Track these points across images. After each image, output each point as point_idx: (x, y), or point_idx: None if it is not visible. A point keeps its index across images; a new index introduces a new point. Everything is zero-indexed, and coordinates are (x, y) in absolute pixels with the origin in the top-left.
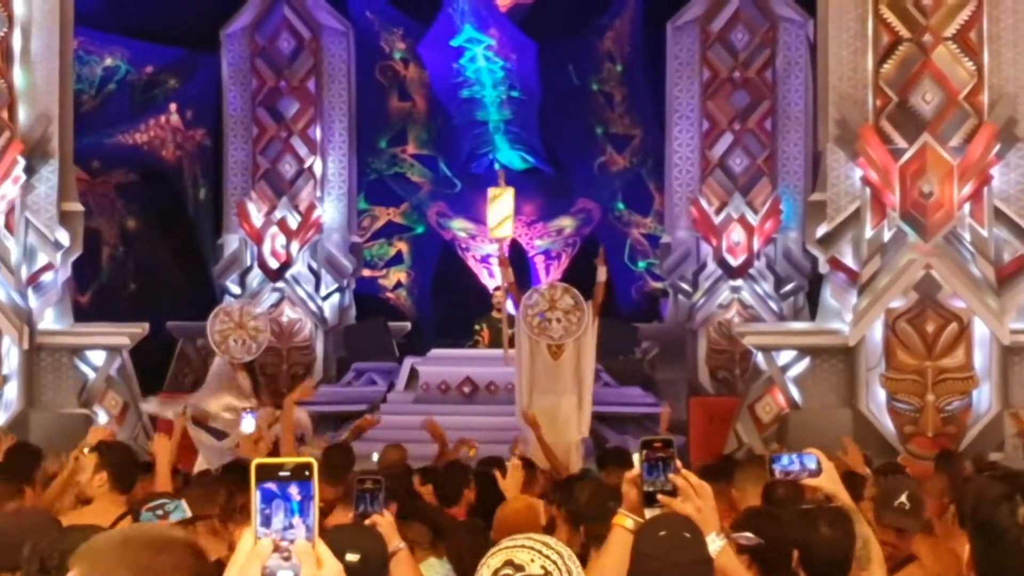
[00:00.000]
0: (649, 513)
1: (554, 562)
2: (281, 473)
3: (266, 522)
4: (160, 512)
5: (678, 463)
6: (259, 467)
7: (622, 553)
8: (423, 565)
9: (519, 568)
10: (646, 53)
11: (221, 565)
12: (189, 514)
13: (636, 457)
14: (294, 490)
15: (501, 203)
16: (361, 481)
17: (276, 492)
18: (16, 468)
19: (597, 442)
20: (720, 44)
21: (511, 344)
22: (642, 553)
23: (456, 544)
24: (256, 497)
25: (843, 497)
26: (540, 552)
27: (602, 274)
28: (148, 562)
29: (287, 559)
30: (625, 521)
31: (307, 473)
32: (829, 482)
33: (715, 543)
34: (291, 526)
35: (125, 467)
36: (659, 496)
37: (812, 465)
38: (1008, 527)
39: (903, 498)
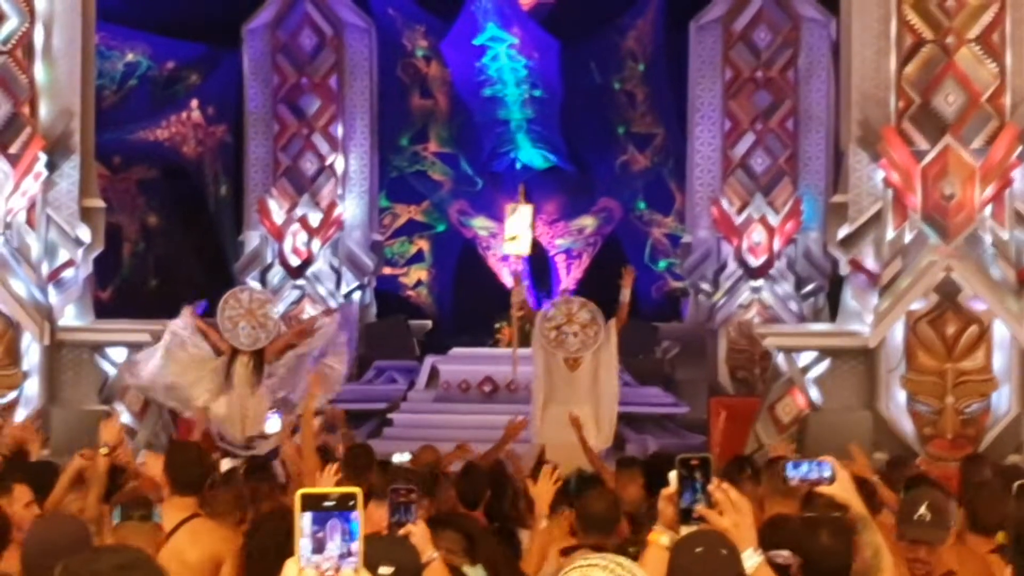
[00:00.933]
0: (685, 530)
1: None
2: (326, 503)
3: (310, 551)
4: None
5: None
6: (304, 496)
7: (658, 570)
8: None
9: None
10: (668, 52)
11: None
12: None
13: (672, 475)
14: (339, 519)
15: (518, 218)
16: (395, 491)
17: (321, 521)
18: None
19: (617, 442)
20: (742, 44)
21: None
22: (678, 568)
23: (490, 552)
24: (300, 525)
25: (856, 505)
26: (615, 572)
27: (625, 296)
28: None
29: None
30: (661, 538)
31: (351, 503)
32: (843, 490)
33: (752, 559)
34: (336, 555)
35: (187, 468)
36: (698, 508)
37: (826, 473)
38: None
39: (923, 509)
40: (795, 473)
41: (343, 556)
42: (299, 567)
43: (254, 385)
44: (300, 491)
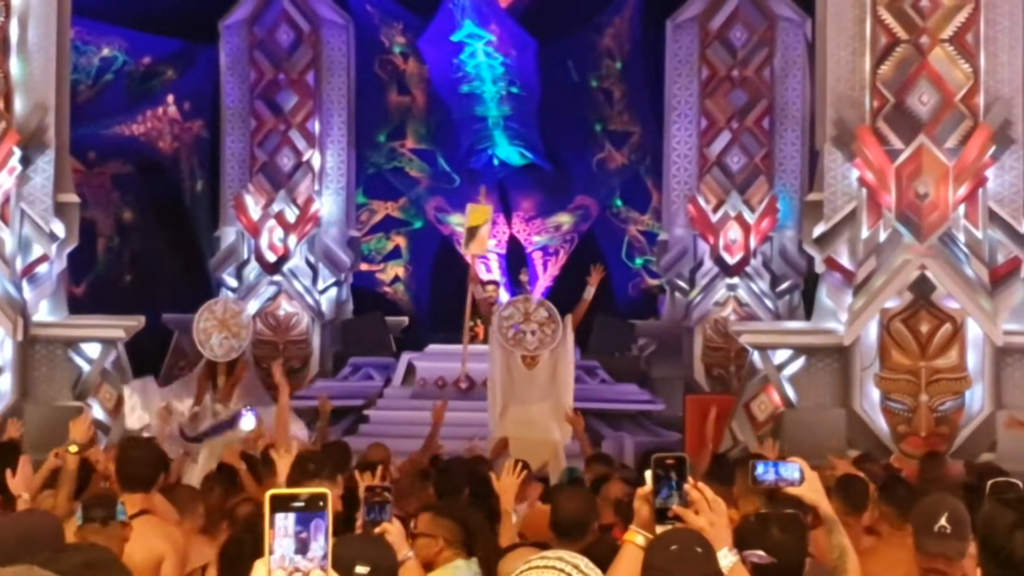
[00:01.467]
0: (660, 529)
1: None
2: (295, 504)
3: (280, 552)
4: (122, 507)
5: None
6: (273, 498)
7: (633, 570)
8: (451, 566)
9: None
10: (645, 50)
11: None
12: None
13: (648, 473)
14: (308, 520)
15: (477, 219)
16: (370, 490)
17: (290, 522)
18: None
19: (593, 439)
20: (719, 42)
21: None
22: (652, 567)
23: (487, 545)
24: (270, 527)
25: (824, 507)
26: (566, 573)
27: (588, 293)
28: None
29: None
30: (636, 537)
31: (321, 504)
32: (811, 491)
33: (727, 558)
34: (304, 557)
35: (135, 464)
36: (674, 506)
37: (795, 474)
38: (1023, 557)
39: (943, 521)
40: (764, 474)
41: (312, 557)
42: (268, 568)
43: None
44: (269, 492)
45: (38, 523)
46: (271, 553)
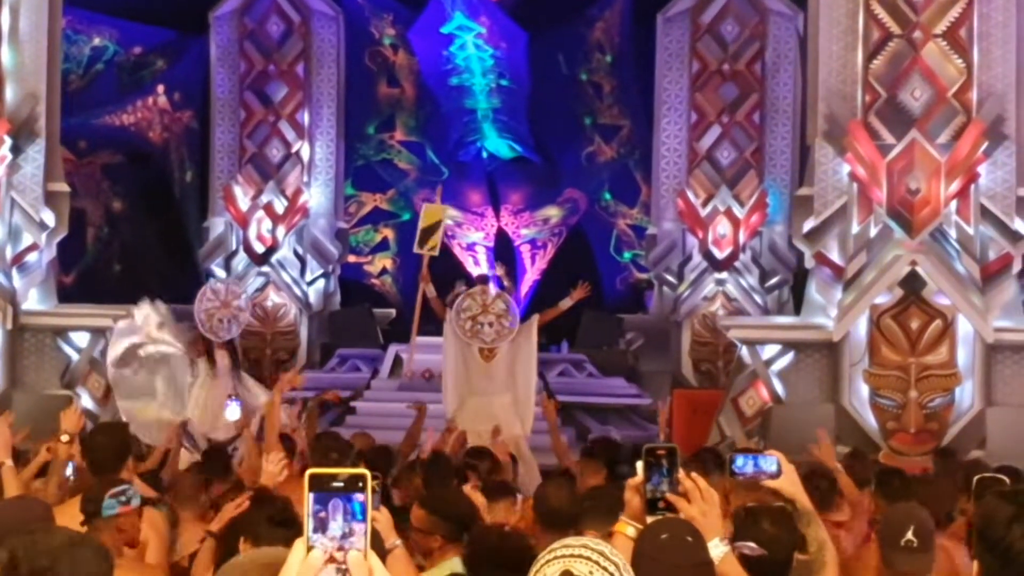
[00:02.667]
0: (651, 520)
1: (611, 574)
2: (334, 484)
3: (318, 532)
4: (123, 498)
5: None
6: (312, 476)
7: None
8: (449, 563)
9: None
10: (636, 44)
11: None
12: (139, 496)
13: (639, 464)
14: (346, 501)
15: (430, 218)
16: None
17: (328, 502)
18: None
19: (580, 432)
20: (710, 36)
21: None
22: (643, 555)
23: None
24: (308, 506)
25: (803, 500)
26: (598, 564)
27: (565, 304)
28: None
29: (338, 570)
30: (627, 529)
31: (360, 484)
32: (789, 484)
33: (717, 548)
34: (343, 537)
35: (103, 451)
36: (667, 494)
37: (772, 467)
38: (1021, 549)
39: (910, 534)
40: (742, 467)
41: (349, 537)
42: (306, 547)
43: (234, 378)
44: (309, 471)
45: (29, 509)
46: (309, 532)
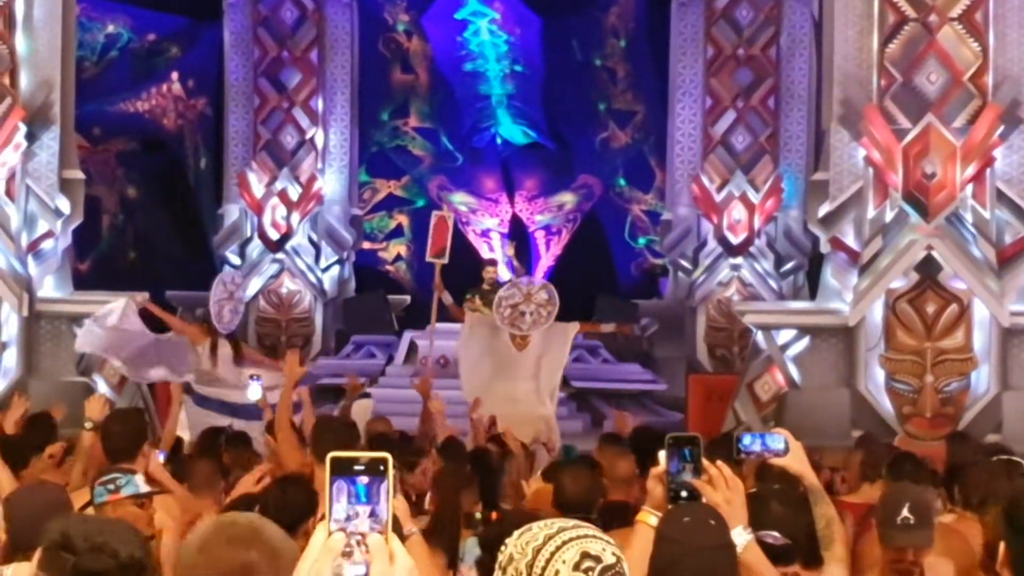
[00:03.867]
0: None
1: (615, 547)
2: (356, 467)
3: (339, 515)
4: (112, 487)
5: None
6: (334, 460)
7: (645, 550)
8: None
9: (597, 559)
10: (650, 29)
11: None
12: (143, 488)
13: (662, 454)
14: (368, 484)
15: (439, 226)
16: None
17: (350, 486)
18: (31, 438)
19: (595, 418)
20: (724, 21)
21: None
22: (664, 538)
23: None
24: (330, 490)
25: (809, 477)
26: (602, 539)
27: (607, 328)
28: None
29: (359, 553)
30: (649, 518)
31: (382, 468)
32: (796, 462)
33: (741, 537)
34: (363, 520)
35: (120, 437)
36: (692, 480)
37: (779, 445)
38: None
39: (905, 511)
40: (748, 446)
41: (370, 520)
42: (328, 531)
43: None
44: (330, 455)
45: (50, 492)
46: (331, 516)
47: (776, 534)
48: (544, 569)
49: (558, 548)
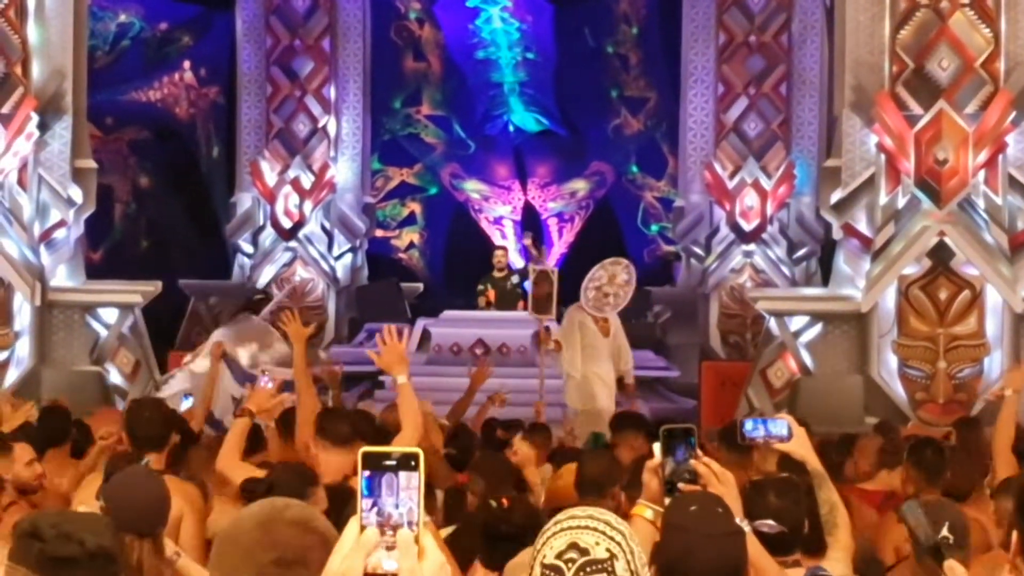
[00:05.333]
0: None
1: (618, 543)
2: (387, 462)
3: (371, 510)
4: None
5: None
6: (365, 455)
7: (642, 544)
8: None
9: (584, 552)
10: (662, 16)
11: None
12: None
13: (656, 446)
14: (400, 479)
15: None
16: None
17: (381, 481)
18: (48, 430)
19: None
20: (736, 8)
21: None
22: (673, 526)
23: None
24: (362, 485)
25: (813, 462)
26: (604, 533)
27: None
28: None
29: (390, 548)
30: (645, 511)
31: (413, 463)
32: (800, 447)
33: None
34: (396, 515)
35: (146, 425)
36: (682, 485)
37: (783, 430)
38: None
39: (945, 531)
40: (751, 431)
41: (403, 515)
42: (359, 525)
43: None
44: (362, 449)
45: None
46: (362, 510)
47: (772, 522)
48: (538, 551)
49: (554, 535)
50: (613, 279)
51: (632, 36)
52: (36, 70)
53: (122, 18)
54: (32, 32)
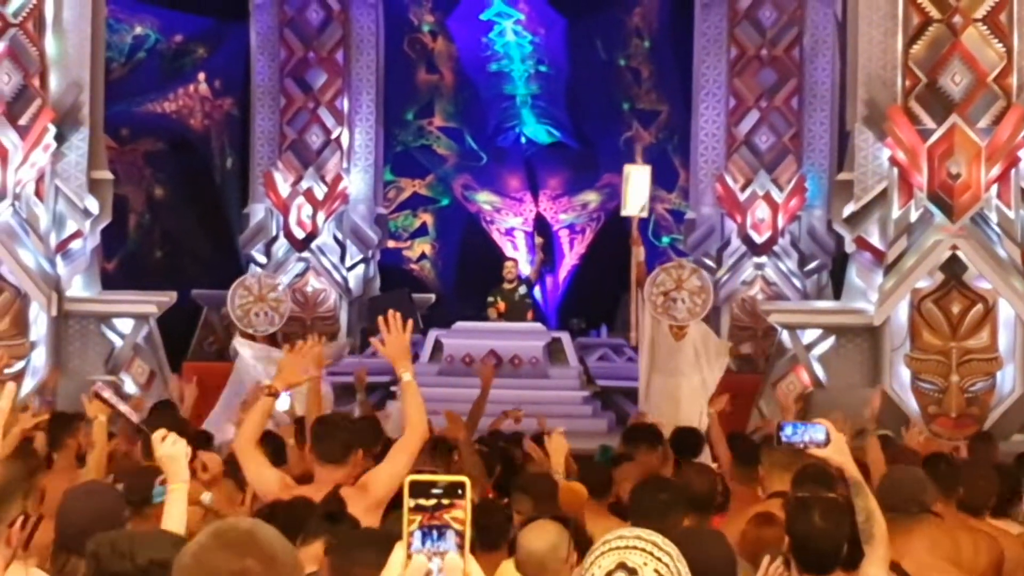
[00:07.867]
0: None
1: (666, 564)
2: (434, 491)
3: (417, 538)
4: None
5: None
6: (412, 484)
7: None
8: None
9: (632, 572)
10: (674, 29)
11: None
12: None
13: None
14: (446, 507)
15: (637, 180)
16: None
17: (429, 509)
18: (54, 436)
19: (620, 417)
20: (748, 21)
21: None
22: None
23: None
24: (407, 513)
25: (851, 469)
26: (652, 554)
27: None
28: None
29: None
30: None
31: (460, 492)
32: (837, 453)
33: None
34: (442, 542)
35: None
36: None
37: (820, 436)
38: None
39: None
40: (790, 435)
41: (449, 543)
42: (406, 552)
43: None
44: (409, 477)
45: (105, 498)
46: (410, 538)
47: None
48: (586, 570)
49: (602, 554)
50: (681, 284)
51: (644, 49)
52: (54, 82)
53: (138, 30)
54: (50, 44)
